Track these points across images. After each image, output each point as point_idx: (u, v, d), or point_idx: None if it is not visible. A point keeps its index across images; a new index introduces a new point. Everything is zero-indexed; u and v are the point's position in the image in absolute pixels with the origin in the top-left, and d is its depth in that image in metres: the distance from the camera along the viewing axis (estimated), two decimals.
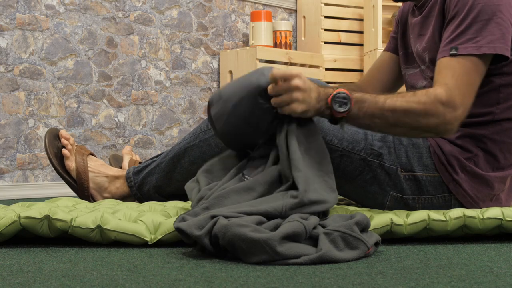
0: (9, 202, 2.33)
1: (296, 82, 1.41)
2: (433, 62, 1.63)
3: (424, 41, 1.67)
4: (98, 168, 1.86)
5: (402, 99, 1.49)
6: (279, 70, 1.41)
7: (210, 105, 1.51)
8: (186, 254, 1.32)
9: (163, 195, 1.82)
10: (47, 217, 1.37)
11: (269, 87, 1.42)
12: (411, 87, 1.77)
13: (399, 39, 1.85)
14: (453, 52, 1.52)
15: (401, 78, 1.89)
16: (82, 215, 1.41)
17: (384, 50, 1.93)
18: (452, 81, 1.50)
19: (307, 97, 1.42)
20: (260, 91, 1.43)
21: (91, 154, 1.90)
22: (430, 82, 1.66)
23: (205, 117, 3.43)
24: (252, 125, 1.46)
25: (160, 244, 1.43)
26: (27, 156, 2.79)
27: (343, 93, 1.44)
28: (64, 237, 1.46)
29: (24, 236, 1.45)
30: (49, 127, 2.84)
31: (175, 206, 1.60)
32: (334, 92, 1.44)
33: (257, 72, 1.47)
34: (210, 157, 1.73)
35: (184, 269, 1.17)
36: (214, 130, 1.53)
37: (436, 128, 1.50)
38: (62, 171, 1.85)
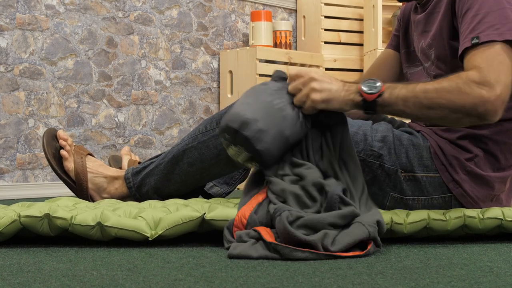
0: (9, 202, 2.33)
1: (309, 74, 1.47)
2: (439, 58, 1.62)
3: (429, 37, 1.66)
4: (96, 169, 1.86)
5: (433, 82, 1.46)
6: (293, 70, 1.47)
7: (239, 129, 1.43)
8: (186, 254, 1.32)
9: (162, 196, 1.81)
10: (47, 216, 1.37)
11: (289, 87, 1.49)
12: None
13: (401, 37, 1.84)
14: (475, 41, 1.46)
15: (402, 76, 1.89)
16: (82, 213, 1.41)
17: (386, 48, 1.93)
18: (483, 63, 1.43)
19: (325, 86, 1.46)
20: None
21: (90, 154, 1.90)
22: (434, 77, 1.65)
23: (205, 116, 3.43)
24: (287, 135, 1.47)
25: (160, 242, 1.43)
26: (27, 156, 2.79)
27: (373, 79, 1.47)
28: (64, 237, 1.46)
29: (24, 236, 1.45)
30: (49, 127, 2.84)
31: (175, 203, 1.60)
32: (365, 78, 1.48)
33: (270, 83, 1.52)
34: (209, 159, 1.73)
35: (184, 269, 1.17)
36: (250, 150, 1.45)
37: (476, 108, 1.40)
38: (61, 172, 1.85)
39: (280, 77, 1.53)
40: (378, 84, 1.45)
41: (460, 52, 1.50)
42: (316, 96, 1.45)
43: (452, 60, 1.60)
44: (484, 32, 1.46)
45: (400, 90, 1.45)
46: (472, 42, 1.46)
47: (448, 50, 1.61)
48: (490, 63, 1.42)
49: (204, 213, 1.42)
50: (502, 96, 1.40)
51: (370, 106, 1.45)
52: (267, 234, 1.31)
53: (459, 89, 1.40)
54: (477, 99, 1.40)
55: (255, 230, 1.33)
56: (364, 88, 1.44)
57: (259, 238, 1.32)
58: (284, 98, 1.47)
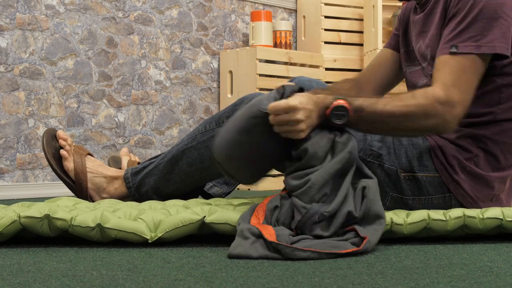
0: (9, 202, 2.33)
1: (297, 116, 1.41)
2: (434, 59, 1.63)
3: (428, 38, 1.66)
4: (96, 169, 1.86)
5: (400, 103, 1.49)
6: (273, 104, 1.41)
7: (220, 163, 1.49)
8: (186, 254, 1.33)
9: (161, 196, 1.81)
10: (47, 216, 1.37)
11: (270, 117, 1.43)
12: (412, 85, 1.76)
13: (400, 36, 1.85)
14: (453, 50, 1.52)
15: (400, 75, 1.89)
16: (82, 214, 1.41)
17: (384, 47, 1.93)
18: (450, 80, 1.50)
19: (310, 123, 1.43)
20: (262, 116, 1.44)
21: (89, 154, 1.90)
22: (430, 79, 1.65)
23: (205, 116, 3.43)
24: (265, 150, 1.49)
25: (160, 242, 1.43)
26: (27, 156, 2.79)
27: (341, 106, 1.45)
28: (64, 237, 1.46)
29: (24, 236, 1.45)
30: (49, 127, 2.84)
31: (174, 204, 1.60)
32: (332, 106, 1.44)
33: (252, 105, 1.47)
34: (208, 159, 1.73)
35: (184, 269, 1.17)
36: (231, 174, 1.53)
37: (436, 127, 1.52)
38: (61, 172, 1.85)
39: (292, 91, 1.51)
40: (346, 112, 1.45)
41: (438, 53, 1.56)
42: (301, 132, 1.43)
43: None
44: (464, 42, 1.52)
45: (367, 114, 1.47)
46: (451, 50, 1.53)
47: None
48: (458, 81, 1.50)
49: (204, 216, 1.42)
50: (461, 115, 1.51)
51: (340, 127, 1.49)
52: (268, 234, 1.31)
53: (425, 112, 1.49)
54: (440, 119, 1.50)
55: (256, 228, 1.33)
56: (333, 119, 1.45)
57: (259, 236, 1.32)
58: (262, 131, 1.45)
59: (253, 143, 1.46)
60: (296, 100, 1.42)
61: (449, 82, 1.50)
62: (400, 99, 1.50)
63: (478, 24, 1.52)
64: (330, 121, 1.45)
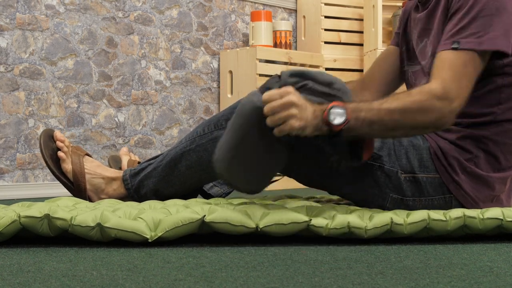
0: (9, 202, 2.33)
1: (291, 97, 1.39)
2: (434, 55, 1.63)
3: (431, 35, 1.67)
4: (94, 170, 1.86)
5: (397, 101, 1.48)
6: (270, 91, 1.40)
7: (220, 173, 1.50)
8: (186, 254, 1.33)
9: (161, 198, 1.81)
10: (47, 216, 1.37)
11: (265, 107, 1.40)
12: (413, 86, 1.76)
13: (400, 34, 1.85)
14: (455, 46, 1.52)
15: (402, 73, 1.88)
16: (82, 213, 1.40)
17: (389, 45, 1.93)
18: (448, 74, 1.50)
19: (303, 113, 1.40)
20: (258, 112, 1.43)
21: (87, 154, 1.90)
22: (430, 76, 1.65)
23: (205, 116, 3.43)
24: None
25: (160, 242, 1.43)
26: (27, 156, 2.79)
27: (338, 106, 1.43)
28: (64, 237, 1.46)
29: (24, 236, 1.45)
30: (49, 127, 2.84)
31: (174, 204, 1.60)
32: (329, 106, 1.43)
33: (247, 100, 1.45)
34: (207, 162, 1.72)
35: (184, 269, 1.17)
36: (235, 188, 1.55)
37: (434, 123, 1.50)
38: (58, 173, 1.84)
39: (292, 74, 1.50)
40: (344, 111, 1.43)
41: (439, 49, 1.55)
42: (295, 123, 1.39)
43: None
44: (466, 38, 1.52)
45: (365, 114, 1.45)
46: (452, 46, 1.52)
47: None
48: (455, 75, 1.50)
49: (204, 215, 1.43)
50: (458, 109, 1.51)
51: (337, 134, 1.46)
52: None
53: (422, 107, 1.48)
54: (437, 114, 1.49)
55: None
56: (331, 118, 1.43)
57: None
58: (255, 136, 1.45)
59: (252, 147, 1.45)
60: (288, 88, 1.42)
61: (447, 76, 1.49)
62: (397, 97, 1.50)
63: (480, 20, 1.51)
64: (328, 122, 1.42)
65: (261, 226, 1.43)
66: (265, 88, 1.47)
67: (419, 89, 1.50)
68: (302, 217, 1.45)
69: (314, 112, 1.42)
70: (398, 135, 1.56)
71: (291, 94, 1.40)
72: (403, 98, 1.49)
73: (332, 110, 1.43)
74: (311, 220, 1.45)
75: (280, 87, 1.46)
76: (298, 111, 1.39)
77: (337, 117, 1.43)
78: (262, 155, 1.48)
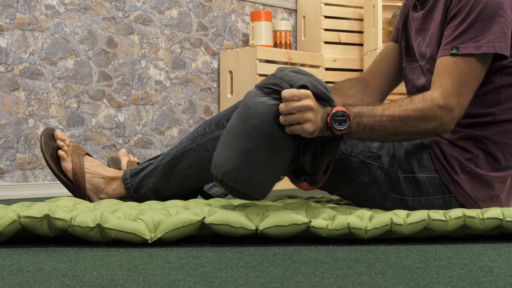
0: (9, 202, 2.33)
1: (309, 102, 1.41)
2: (433, 58, 1.63)
3: (428, 36, 1.67)
4: (94, 169, 1.86)
5: (399, 108, 1.51)
6: (288, 90, 1.41)
7: (222, 179, 1.47)
8: (186, 254, 1.33)
9: (161, 198, 1.81)
10: (46, 216, 1.37)
11: (281, 105, 1.42)
12: (411, 83, 1.77)
13: (400, 30, 1.85)
14: (454, 51, 1.53)
15: (403, 68, 1.88)
16: (82, 214, 1.40)
17: (389, 41, 1.93)
18: (449, 82, 1.52)
19: (317, 118, 1.43)
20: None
21: (87, 154, 1.90)
22: (429, 79, 1.66)
23: (205, 117, 3.43)
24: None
25: (160, 243, 1.43)
26: (27, 156, 2.79)
27: (341, 111, 1.45)
28: (64, 237, 1.46)
29: (24, 236, 1.45)
30: (49, 127, 2.83)
31: (174, 205, 1.60)
32: (332, 111, 1.45)
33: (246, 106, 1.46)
34: (207, 161, 1.73)
35: (184, 269, 1.17)
36: (238, 195, 1.51)
37: (435, 130, 1.53)
38: (59, 172, 1.84)
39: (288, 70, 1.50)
40: (346, 117, 1.45)
41: (439, 54, 1.56)
42: (309, 128, 1.42)
43: None
44: (464, 44, 1.53)
45: (367, 120, 1.49)
46: (451, 52, 1.53)
47: None
48: (456, 83, 1.52)
49: (204, 217, 1.43)
50: (459, 117, 1.54)
51: (338, 138, 1.49)
52: None
53: (423, 116, 1.50)
54: (438, 122, 1.51)
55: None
56: (334, 125, 1.45)
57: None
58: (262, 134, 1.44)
59: (266, 148, 1.44)
60: (307, 91, 1.43)
61: (448, 86, 1.51)
62: (399, 104, 1.52)
63: (478, 24, 1.52)
64: (332, 127, 1.45)
65: (260, 228, 1.43)
66: (262, 86, 1.46)
67: (422, 97, 1.52)
68: (302, 219, 1.45)
69: (322, 116, 1.45)
70: (399, 140, 1.58)
71: (309, 98, 1.42)
72: (405, 105, 1.51)
73: (336, 116, 1.45)
74: (311, 221, 1.45)
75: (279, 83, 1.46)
76: (313, 116, 1.42)
77: (340, 122, 1.45)
78: (273, 155, 1.47)
